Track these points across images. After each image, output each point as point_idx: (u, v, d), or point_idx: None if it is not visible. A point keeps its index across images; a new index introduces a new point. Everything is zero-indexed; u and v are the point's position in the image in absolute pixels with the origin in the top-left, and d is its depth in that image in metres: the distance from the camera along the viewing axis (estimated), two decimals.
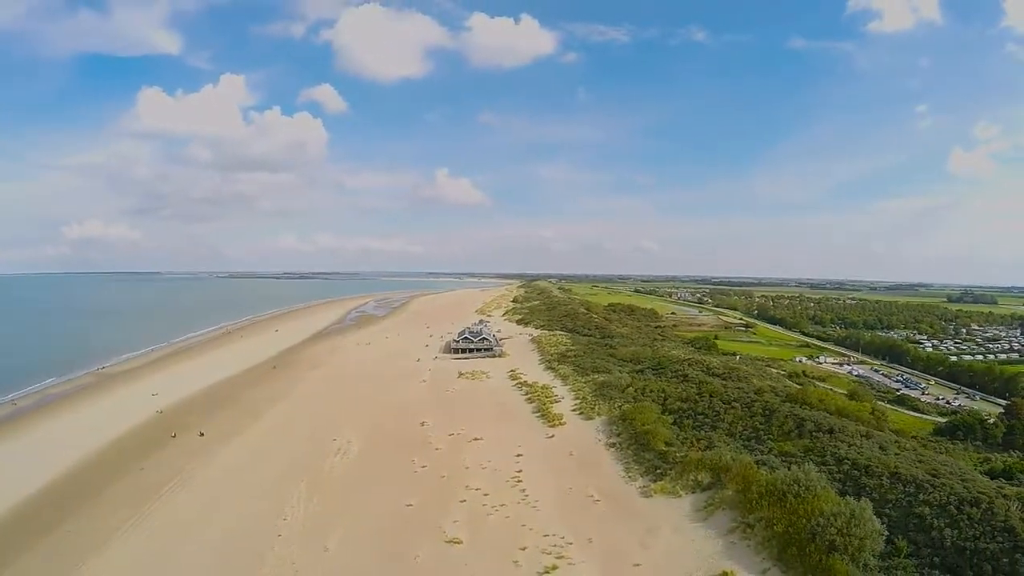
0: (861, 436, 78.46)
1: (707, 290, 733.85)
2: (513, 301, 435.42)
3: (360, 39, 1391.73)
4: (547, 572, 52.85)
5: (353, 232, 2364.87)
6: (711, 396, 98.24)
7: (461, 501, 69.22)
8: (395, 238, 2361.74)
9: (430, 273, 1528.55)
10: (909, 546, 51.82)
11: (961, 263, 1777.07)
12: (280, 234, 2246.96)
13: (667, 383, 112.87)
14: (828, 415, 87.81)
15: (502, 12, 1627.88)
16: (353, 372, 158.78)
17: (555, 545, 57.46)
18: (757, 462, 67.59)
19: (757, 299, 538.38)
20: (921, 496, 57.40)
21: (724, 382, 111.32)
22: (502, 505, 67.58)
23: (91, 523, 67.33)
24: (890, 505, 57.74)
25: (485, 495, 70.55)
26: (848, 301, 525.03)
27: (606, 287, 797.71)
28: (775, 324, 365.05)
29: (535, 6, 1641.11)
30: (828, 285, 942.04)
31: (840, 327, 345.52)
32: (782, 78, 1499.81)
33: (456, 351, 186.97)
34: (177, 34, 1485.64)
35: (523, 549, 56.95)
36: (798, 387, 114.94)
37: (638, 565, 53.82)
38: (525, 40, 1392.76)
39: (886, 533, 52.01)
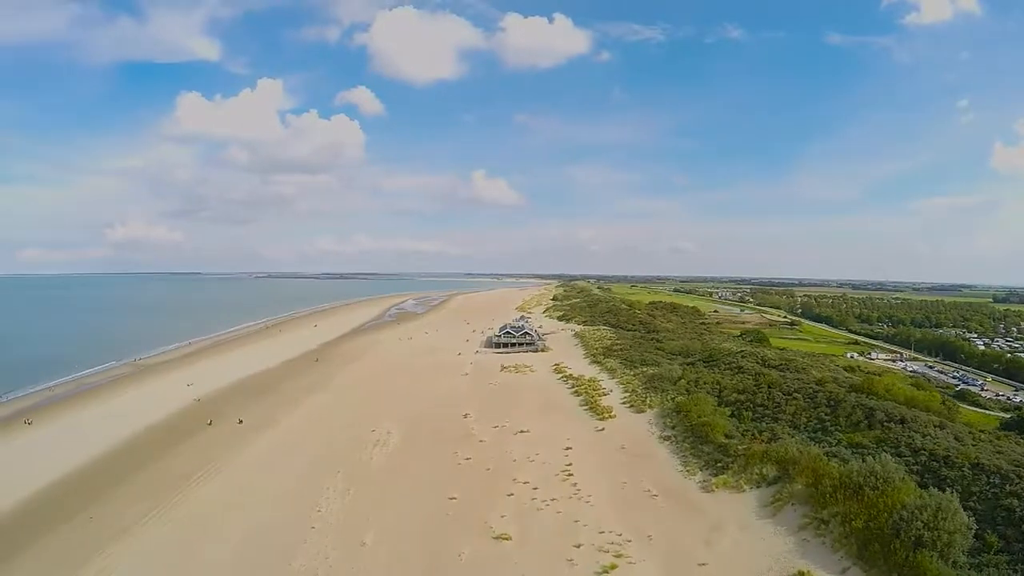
0: (935, 426, 73.23)
1: (747, 290, 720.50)
2: (553, 299, 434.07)
3: (395, 41, 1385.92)
4: (605, 572, 49.08)
5: (391, 233, 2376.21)
6: (770, 387, 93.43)
7: (508, 495, 65.96)
8: (433, 239, 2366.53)
9: (468, 273, 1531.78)
10: (999, 541, 47.50)
11: (1005, 263, 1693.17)
12: (318, 235, 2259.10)
13: (721, 375, 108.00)
14: (898, 404, 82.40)
15: (535, 11, 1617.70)
16: (392, 365, 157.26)
17: (612, 543, 53.63)
18: (826, 454, 63.33)
19: (800, 298, 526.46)
20: (1008, 488, 52.68)
21: (782, 373, 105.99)
22: (553, 500, 64.06)
23: (117, 508, 65.70)
24: (975, 498, 53.09)
25: (534, 489, 67.14)
26: (893, 300, 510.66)
27: (645, 287, 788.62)
28: (820, 322, 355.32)
29: (568, 5, 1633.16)
30: (870, 286, 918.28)
31: (887, 325, 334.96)
32: (819, 74, 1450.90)
33: (497, 345, 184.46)
34: (216, 41, 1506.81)
35: (577, 547, 53.24)
36: (859, 379, 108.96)
37: (704, 564, 49.82)
38: (559, 40, 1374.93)
39: (974, 527, 47.74)
